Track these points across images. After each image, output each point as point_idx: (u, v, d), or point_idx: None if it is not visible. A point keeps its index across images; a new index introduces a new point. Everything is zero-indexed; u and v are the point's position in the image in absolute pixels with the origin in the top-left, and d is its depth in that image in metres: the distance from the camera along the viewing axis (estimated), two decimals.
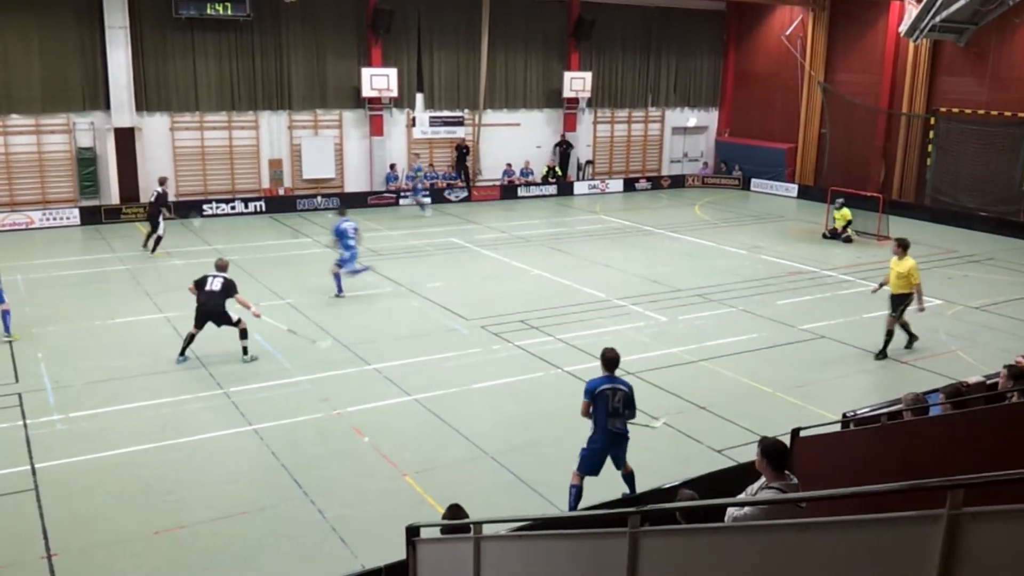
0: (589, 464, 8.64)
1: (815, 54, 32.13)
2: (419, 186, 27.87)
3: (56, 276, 19.08)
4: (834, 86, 31.54)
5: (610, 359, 8.72)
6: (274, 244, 22.81)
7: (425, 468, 9.94)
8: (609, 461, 8.79)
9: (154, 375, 12.83)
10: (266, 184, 28.21)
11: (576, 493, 8.62)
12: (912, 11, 26.36)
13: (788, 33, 32.95)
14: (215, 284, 13.27)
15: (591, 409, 8.58)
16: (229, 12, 25.91)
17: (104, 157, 25.62)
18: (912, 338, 14.26)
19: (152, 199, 21.45)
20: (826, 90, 31.61)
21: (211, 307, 13.18)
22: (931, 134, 28.92)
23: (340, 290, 17.34)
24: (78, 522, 8.73)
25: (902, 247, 14.04)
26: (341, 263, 17.29)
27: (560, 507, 8.96)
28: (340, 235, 17.30)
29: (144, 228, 22.49)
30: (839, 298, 17.62)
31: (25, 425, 10.95)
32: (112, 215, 25.25)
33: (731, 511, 5.69)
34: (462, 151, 30.93)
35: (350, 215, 18.14)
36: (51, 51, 24.61)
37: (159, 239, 21.14)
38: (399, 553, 6.45)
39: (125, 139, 25.48)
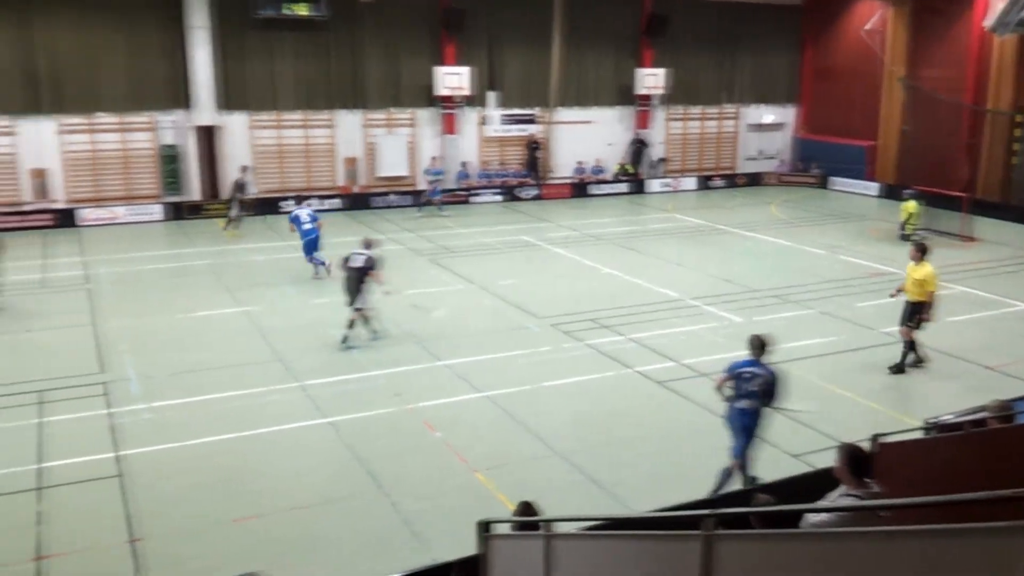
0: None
1: (896, 49, 31.22)
2: (438, 188, 27.06)
3: (140, 270, 19.75)
4: (917, 82, 30.57)
5: (754, 344, 9.00)
6: (349, 241, 23.14)
7: (496, 464, 9.99)
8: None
9: (233, 367, 13.18)
10: (341, 182, 28.71)
11: (728, 472, 9.06)
12: (998, 5, 25.39)
13: (868, 28, 32.06)
14: (358, 261, 13.96)
15: (725, 385, 9.04)
16: (306, 12, 26.44)
17: (186, 154, 26.43)
18: (918, 359, 13.26)
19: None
20: (908, 86, 30.68)
21: (350, 281, 13.84)
22: (1018, 131, 27.82)
23: (318, 272, 18.60)
24: (160, 508, 9.02)
25: (920, 251, 13.31)
26: (305, 250, 18.53)
27: (632, 508, 8.92)
28: (295, 222, 18.53)
29: (224, 224, 24.07)
30: None
31: (110, 414, 11.37)
32: (194, 211, 26.01)
33: (809, 517, 5.57)
34: (533, 148, 30.97)
35: (307, 204, 19.97)
36: (136, 51, 25.49)
37: (229, 220, 23.40)
38: (470, 548, 6.50)
39: (206, 137, 26.24)
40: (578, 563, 5.21)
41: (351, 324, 14.00)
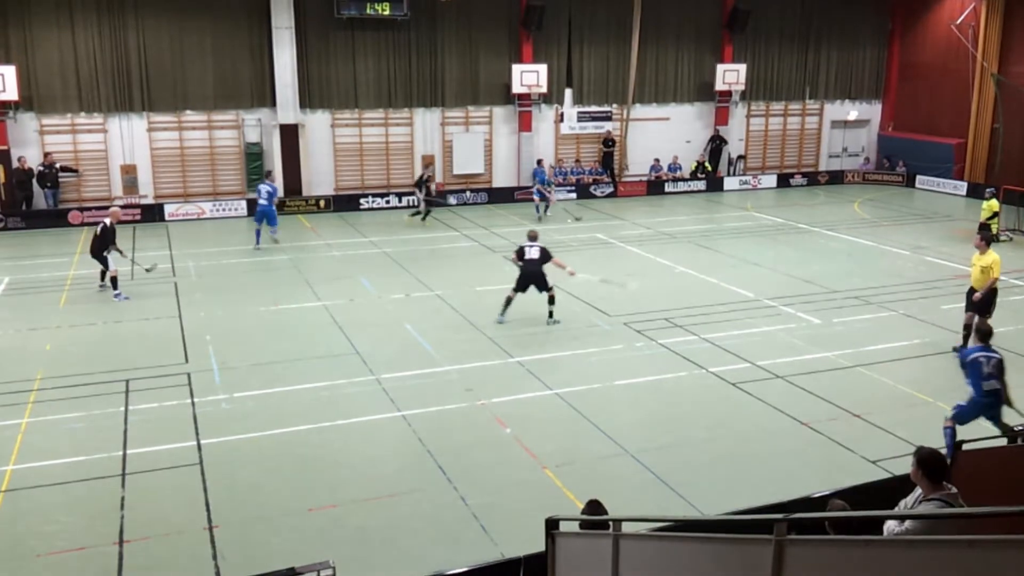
0: (963, 417, 9.65)
1: (988, 44, 30.06)
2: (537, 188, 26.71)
3: (224, 264, 20.34)
4: (1010, 78, 29.38)
5: (984, 331, 10.00)
6: (425, 238, 23.47)
7: (565, 462, 9.99)
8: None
9: (312, 360, 13.47)
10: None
11: (951, 433, 9.44)
12: None
13: (959, 22, 30.93)
14: (533, 252, 15.06)
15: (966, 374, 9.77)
16: (388, 12, 26.83)
17: (270, 152, 27.10)
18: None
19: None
20: (1000, 82, 29.50)
21: (532, 272, 14.95)
22: None
23: (258, 243, 21.65)
24: (239, 496, 9.28)
25: (985, 241, 13.74)
26: (256, 218, 21.91)
27: (701, 511, 8.81)
28: (258, 193, 21.67)
29: (306, 220, 25.11)
30: (1009, 304, 16.43)
31: (193, 403, 11.73)
32: (276, 207, 26.54)
33: (890, 525, 5.43)
34: (609, 146, 30.81)
35: (269, 181, 22.31)
36: (224, 51, 26.27)
37: (426, 212, 24.99)
38: (538, 544, 6.51)
39: (289, 135, 26.85)
40: (646, 564, 5.18)
41: (551, 300, 15.09)
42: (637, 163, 31.64)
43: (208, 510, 8.94)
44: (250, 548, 8.27)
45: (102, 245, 16.96)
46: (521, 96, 29.20)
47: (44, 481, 9.54)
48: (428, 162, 26.41)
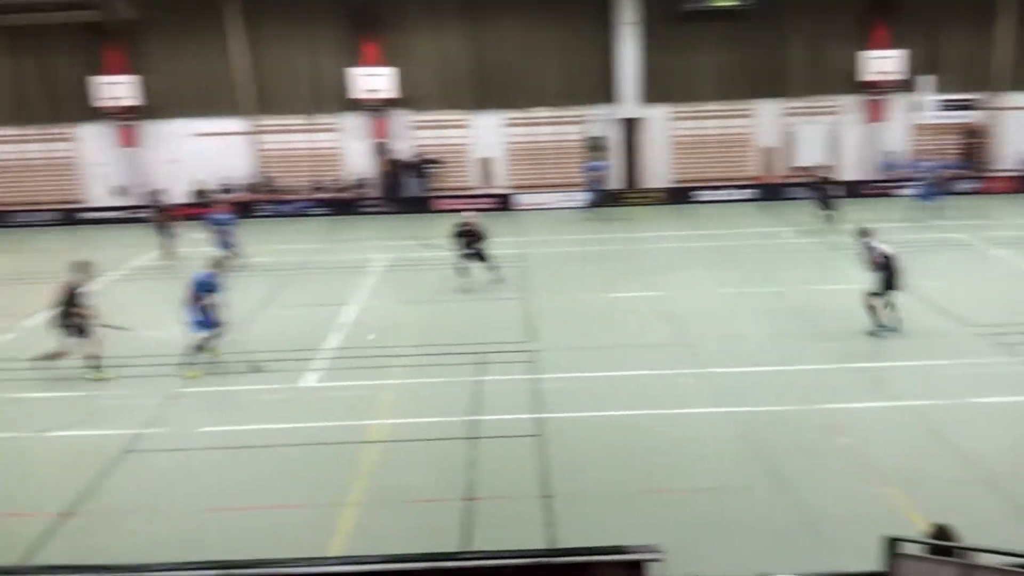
0: None
1: None
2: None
3: (564, 252, 21.46)
4: None
5: None
6: (761, 232, 22.96)
7: (910, 480, 9.33)
8: None
9: (642, 347, 13.85)
10: (757, 171, 28.40)
11: None
12: None
13: None
14: (886, 249, 13.87)
15: None
16: (732, 2, 26.39)
17: (611, 145, 27.97)
18: None
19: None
20: None
21: (895, 271, 13.72)
22: None
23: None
24: (572, 470, 9.83)
25: None
26: None
27: None
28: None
29: (643, 212, 25.56)
30: None
31: (532, 379, 12.58)
32: (615, 200, 27.38)
33: None
34: (973, 137, 27.84)
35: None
36: (570, 49, 27.63)
37: (829, 217, 22.46)
38: (872, 562, 6.25)
39: (630, 129, 27.53)
40: None
41: (890, 307, 13.98)
42: (1008, 156, 28.31)
43: (542, 480, 9.57)
44: (579, 521, 8.74)
45: (471, 241, 18.60)
46: (872, 84, 27.37)
47: (409, 436, 10.85)
48: (825, 166, 25.93)
